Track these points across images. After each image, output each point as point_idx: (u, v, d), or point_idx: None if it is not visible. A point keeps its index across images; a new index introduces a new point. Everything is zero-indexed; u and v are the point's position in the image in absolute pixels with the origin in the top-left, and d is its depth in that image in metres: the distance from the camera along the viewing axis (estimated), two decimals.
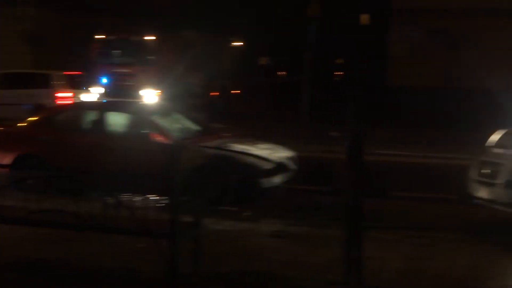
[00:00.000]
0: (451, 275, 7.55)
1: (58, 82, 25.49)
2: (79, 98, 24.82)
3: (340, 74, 45.86)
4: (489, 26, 28.47)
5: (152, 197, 10.77)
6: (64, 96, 24.87)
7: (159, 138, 11.81)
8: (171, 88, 25.32)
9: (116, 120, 12.55)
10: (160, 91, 25.57)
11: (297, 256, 8.28)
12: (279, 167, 11.97)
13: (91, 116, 12.73)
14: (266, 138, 13.56)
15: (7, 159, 12.14)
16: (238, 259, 8.01)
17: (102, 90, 25.96)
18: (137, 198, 10.00)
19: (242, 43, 36.57)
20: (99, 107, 13.82)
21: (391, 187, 13.46)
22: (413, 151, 19.19)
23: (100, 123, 12.43)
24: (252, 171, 11.52)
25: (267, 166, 11.73)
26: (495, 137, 10.74)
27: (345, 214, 6.37)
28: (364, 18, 31.92)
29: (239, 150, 11.86)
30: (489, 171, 10.13)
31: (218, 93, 30.56)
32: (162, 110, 13.86)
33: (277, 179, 11.88)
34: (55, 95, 24.86)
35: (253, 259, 8.06)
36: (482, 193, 10.24)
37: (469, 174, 10.65)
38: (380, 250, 8.25)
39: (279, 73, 50.18)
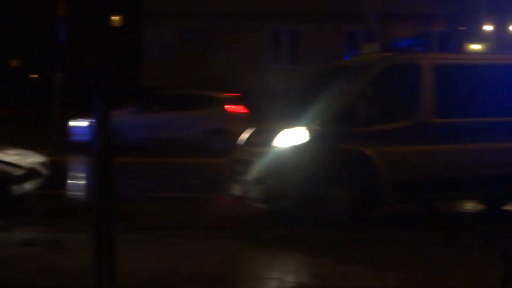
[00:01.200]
0: (206, 271, 7.68)
1: None
2: None
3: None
4: (235, 28, 29.50)
5: None
6: None
7: None
8: None
9: None
10: None
11: (51, 264, 8.02)
12: (31, 173, 11.56)
13: None
14: (16, 143, 13.03)
15: None
16: None
17: None
18: None
19: None
20: None
21: (144, 188, 13.52)
22: (166, 152, 19.50)
23: None
24: (1, 178, 11.03)
25: (17, 172, 11.26)
26: (245, 135, 11.13)
27: (94, 218, 6.26)
28: (116, 19, 31.75)
29: None
30: (241, 168, 10.47)
31: None
32: None
33: (28, 185, 11.45)
34: None
35: (4, 269, 7.72)
36: (235, 189, 10.57)
37: (224, 172, 10.96)
38: (135, 252, 8.23)
39: (32, 75, 48.67)
